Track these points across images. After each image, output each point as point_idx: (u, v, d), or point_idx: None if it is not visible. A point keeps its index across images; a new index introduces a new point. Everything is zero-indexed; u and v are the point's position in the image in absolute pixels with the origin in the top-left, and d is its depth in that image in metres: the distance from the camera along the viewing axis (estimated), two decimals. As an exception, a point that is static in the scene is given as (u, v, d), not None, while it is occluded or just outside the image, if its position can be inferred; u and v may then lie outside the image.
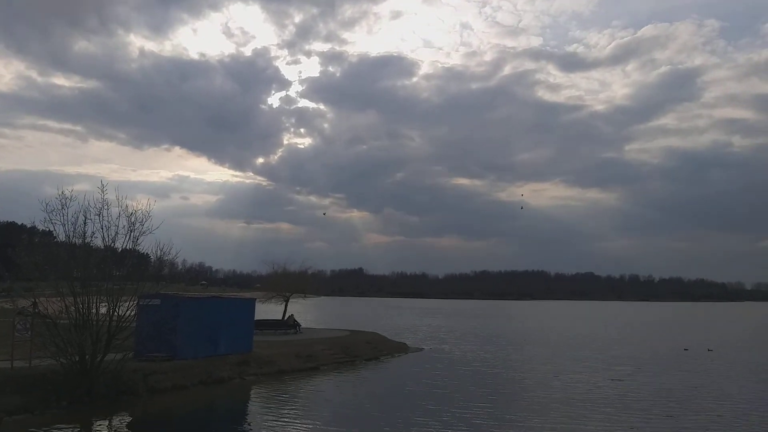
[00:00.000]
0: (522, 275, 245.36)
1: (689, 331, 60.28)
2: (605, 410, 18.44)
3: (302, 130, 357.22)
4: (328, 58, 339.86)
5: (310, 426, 16.01)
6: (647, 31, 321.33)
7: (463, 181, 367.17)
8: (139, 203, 19.97)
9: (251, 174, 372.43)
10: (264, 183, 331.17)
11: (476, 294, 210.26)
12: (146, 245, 20.20)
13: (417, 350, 36.35)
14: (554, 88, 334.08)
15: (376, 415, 17.46)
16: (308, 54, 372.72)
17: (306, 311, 71.12)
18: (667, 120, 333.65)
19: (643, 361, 32.04)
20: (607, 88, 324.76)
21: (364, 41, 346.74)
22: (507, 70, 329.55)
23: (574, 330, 58.60)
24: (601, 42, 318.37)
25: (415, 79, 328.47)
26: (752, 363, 32.22)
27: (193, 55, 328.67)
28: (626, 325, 69.35)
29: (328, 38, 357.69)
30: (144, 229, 19.58)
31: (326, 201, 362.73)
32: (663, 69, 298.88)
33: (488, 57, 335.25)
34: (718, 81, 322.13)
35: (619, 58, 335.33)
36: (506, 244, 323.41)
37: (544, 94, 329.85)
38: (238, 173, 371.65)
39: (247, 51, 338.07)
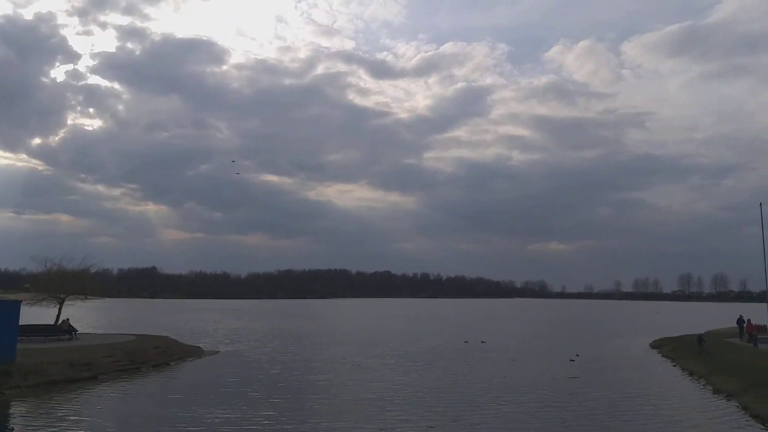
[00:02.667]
0: (325, 274, 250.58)
1: (469, 325, 66.88)
2: (397, 408, 19.21)
3: (91, 110, 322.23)
4: (126, 32, 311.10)
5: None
6: (448, 48, 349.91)
7: (272, 178, 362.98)
8: None
9: (24, 156, 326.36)
10: (40, 167, 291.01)
11: (280, 293, 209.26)
12: None
13: (212, 354, 34.68)
14: (364, 92, 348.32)
15: (154, 430, 16.09)
16: (103, 26, 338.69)
17: (86, 315, 63.96)
18: (461, 132, 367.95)
19: (433, 356, 34.51)
20: (411, 98, 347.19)
21: (170, 20, 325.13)
22: (320, 69, 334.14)
23: (373, 327, 61.21)
24: (408, 53, 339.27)
25: (225, 68, 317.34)
26: (515, 351, 36.96)
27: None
28: (417, 321, 74.51)
29: (128, 11, 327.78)
30: None
31: (117, 191, 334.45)
32: (459, 85, 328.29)
33: (302, 54, 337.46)
34: (504, 100, 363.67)
35: (423, 70, 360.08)
36: (312, 243, 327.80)
37: (354, 98, 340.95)
38: (7, 154, 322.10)
39: (28, 14, 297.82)
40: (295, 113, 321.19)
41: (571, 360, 33.02)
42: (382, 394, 21.62)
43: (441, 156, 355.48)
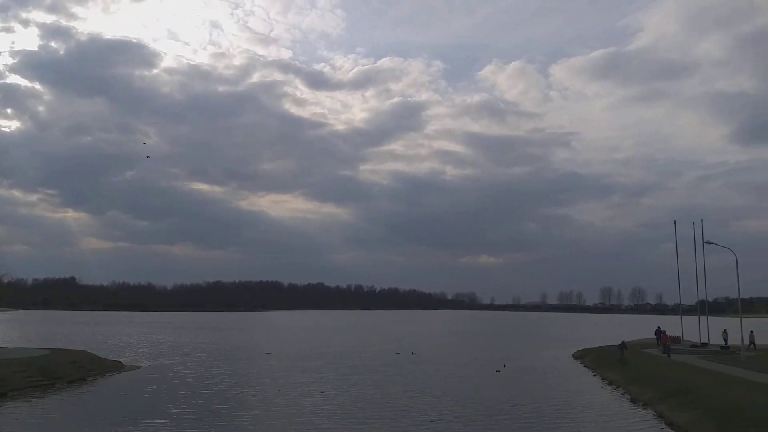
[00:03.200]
0: (256, 286, 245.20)
1: (401, 337, 67.16)
2: (328, 423, 18.92)
3: (9, 110, 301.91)
4: (50, 31, 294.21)
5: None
6: (385, 62, 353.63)
7: (203, 187, 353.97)
8: None
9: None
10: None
11: (208, 306, 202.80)
12: None
13: (133, 369, 33.10)
14: (300, 102, 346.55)
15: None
16: (25, 23, 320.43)
17: (-4, 328, 59.73)
18: (396, 146, 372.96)
19: (364, 369, 34.40)
20: (348, 110, 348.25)
21: (99, 20, 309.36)
22: (256, 77, 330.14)
23: (304, 341, 60.37)
24: (345, 65, 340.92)
25: (155, 71, 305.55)
26: (445, 362, 37.59)
27: None
28: (350, 334, 74.16)
29: (53, 9, 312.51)
30: None
31: (34, 197, 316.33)
32: (396, 99, 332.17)
33: (237, 61, 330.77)
34: (438, 116, 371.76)
35: (360, 83, 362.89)
36: (243, 254, 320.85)
37: (290, 107, 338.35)
38: None
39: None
40: (229, 121, 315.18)
41: (497, 371, 33.85)
42: (312, 409, 21.21)
43: (376, 169, 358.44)
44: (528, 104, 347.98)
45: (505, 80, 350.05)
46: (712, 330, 47.39)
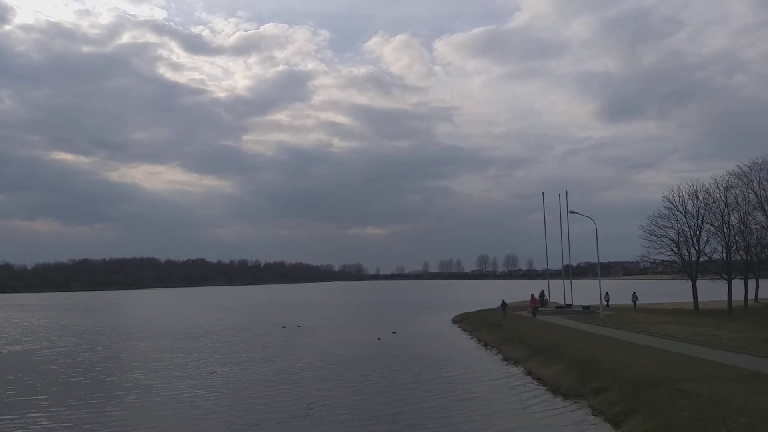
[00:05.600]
0: (130, 263, 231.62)
1: (287, 310, 66.95)
2: (214, 408, 18.37)
3: None
4: None
5: None
6: (269, 28, 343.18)
7: (67, 156, 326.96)
8: None
9: None
10: None
11: (74, 285, 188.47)
12: None
13: (-10, 357, 30.13)
14: (177, 67, 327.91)
15: None
16: None
17: None
18: (282, 116, 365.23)
19: (252, 345, 33.81)
20: (230, 77, 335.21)
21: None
22: (126, 38, 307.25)
23: (185, 320, 58.15)
24: (226, 29, 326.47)
25: (8, 28, 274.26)
26: (331, 332, 38.22)
27: None
28: (233, 311, 72.53)
29: None
30: None
31: None
32: (280, 68, 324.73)
33: (104, 20, 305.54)
34: (325, 87, 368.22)
35: (242, 49, 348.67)
36: (114, 230, 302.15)
37: (165, 72, 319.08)
38: None
39: None
40: (95, 85, 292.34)
41: (378, 338, 34.91)
42: (198, 392, 20.15)
43: (261, 139, 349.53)
44: (413, 78, 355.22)
45: (390, 53, 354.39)
46: (578, 292, 51.86)
